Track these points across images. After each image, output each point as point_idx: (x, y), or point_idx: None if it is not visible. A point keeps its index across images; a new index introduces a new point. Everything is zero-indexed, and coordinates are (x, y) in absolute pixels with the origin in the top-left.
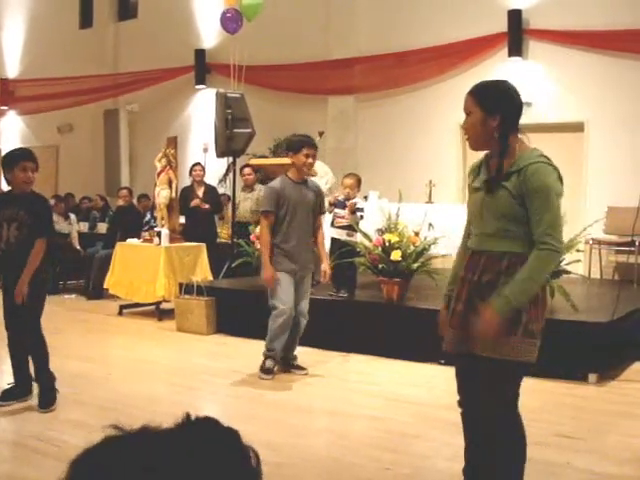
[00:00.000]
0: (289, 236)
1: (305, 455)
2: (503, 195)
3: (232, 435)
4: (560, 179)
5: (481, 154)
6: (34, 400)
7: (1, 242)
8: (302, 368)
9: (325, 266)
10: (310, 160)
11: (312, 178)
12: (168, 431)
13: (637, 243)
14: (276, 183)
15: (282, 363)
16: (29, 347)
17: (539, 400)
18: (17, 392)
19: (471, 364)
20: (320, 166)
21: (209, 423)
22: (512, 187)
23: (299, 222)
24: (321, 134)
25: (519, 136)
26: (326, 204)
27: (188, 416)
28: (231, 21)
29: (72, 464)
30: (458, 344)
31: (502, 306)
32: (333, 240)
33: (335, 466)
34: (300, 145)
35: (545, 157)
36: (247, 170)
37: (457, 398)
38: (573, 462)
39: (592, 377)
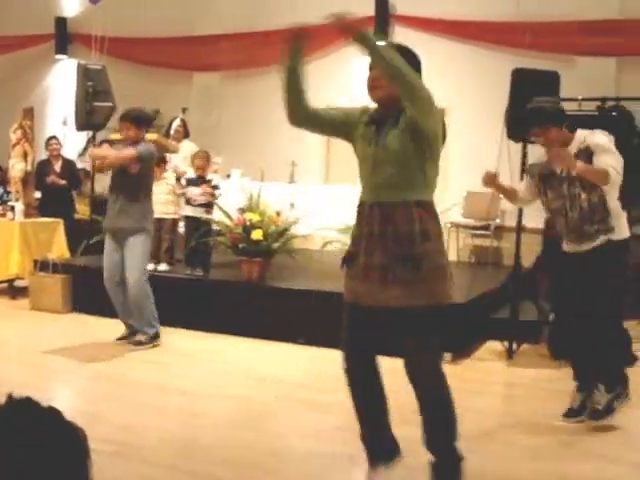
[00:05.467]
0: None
1: (162, 435)
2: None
3: (53, 414)
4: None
5: None
6: None
7: None
8: (136, 343)
9: None
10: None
11: (173, 156)
12: None
13: (492, 227)
14: None
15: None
16: None
17: (390, 379)
18: None
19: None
20: (185, 146)
21: (29, 403)
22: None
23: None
24: (184, 110)
25: None
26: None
27: (10, 396)
28: None
29: None
30: (364, 296)
31: (369, 37)
32: (188, 218)
33: (191, 446)
34: None
35: None
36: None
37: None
38: None
39: (447, 356)
